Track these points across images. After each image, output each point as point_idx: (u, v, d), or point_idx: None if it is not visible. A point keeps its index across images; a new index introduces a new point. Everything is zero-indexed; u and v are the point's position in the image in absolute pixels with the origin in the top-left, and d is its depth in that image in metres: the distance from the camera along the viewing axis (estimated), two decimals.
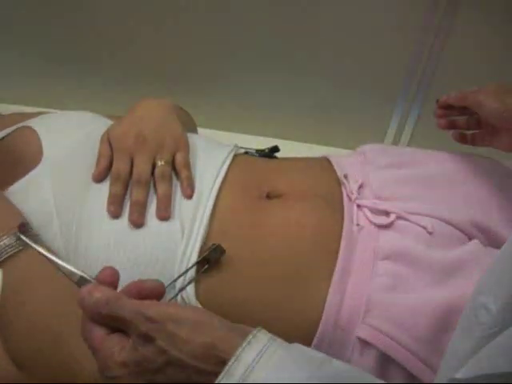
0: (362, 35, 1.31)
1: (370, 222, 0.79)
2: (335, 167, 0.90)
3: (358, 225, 0.79)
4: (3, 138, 0.91)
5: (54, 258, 0.63)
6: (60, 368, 0.63)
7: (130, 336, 0.52)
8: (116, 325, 0.53)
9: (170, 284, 0.74)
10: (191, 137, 0.91)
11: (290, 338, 0.77)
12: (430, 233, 0.77)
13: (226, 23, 1.33)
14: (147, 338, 0.50)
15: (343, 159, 0.93)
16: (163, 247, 0.76)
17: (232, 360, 0.47)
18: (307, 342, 0.75)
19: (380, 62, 1.35)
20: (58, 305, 0.68)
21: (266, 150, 0.99)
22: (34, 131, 0.89)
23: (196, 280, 0.76)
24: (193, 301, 0.75)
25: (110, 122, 0.92)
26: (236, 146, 0.94)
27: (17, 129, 0.91)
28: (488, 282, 0.58)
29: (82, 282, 0.60)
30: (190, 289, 0.75)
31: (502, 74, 1.31)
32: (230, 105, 1.47)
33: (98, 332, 0.52)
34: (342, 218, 0.79)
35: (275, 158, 1.00)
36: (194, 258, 0.76)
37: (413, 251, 0.75)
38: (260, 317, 0.77)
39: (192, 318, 0.51)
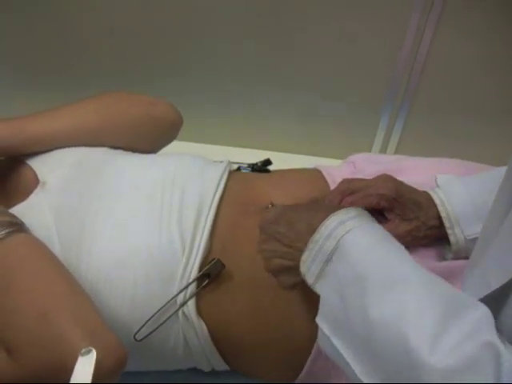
0: (347, 47, 1.33)
1: None
2: (326, 178, 0.92)
3: None
4: None
5: None
6: (48, 348, 0.63)
7: None
8: None
9: (172, 299, 0.76)
10: (183, 156, 0.92)
11: (289, 351, 0.79)
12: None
13: (214, 37, 1.34)
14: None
15: (334, 169, 0.95)
16: (165, 265, 0.77)
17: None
18: (306, 354, 0.78)
19: (366, 73, 1.37)
20: (44, 284, 0.68)
21: (259, 164, 1.00)
22: (22, 161, 0.90)
23: (196, 295, 0.77)
24: (193, 315, 0.77)
25: (101, 148, 0.93)
26: (229, 162, 0.95)
27: (4, 159, 0.91)
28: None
29: None
30: (191, 304, 0.77)
31: (487, 82, 1.34)
32: (219, 118, 1.49)
33: None
34: None
35: (267, 170, 1.01)
36: (195, 273, 0.77)
37: None
38: (260, 330, 0.79)
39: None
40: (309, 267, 0.61)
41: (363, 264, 0.57)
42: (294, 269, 0.64)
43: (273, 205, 0.84)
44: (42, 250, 0.73)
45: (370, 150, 1.51)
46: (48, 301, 0.66)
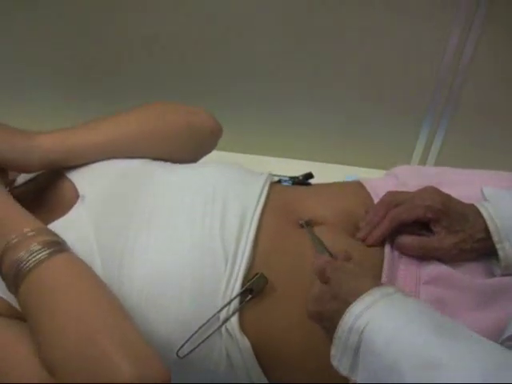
0: (388, 56, 1.32)
1: None
2: (369, 191, 0.90)
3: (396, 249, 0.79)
4: (33, 178, 0.92)
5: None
6: (92, 371, 0.62)
7: None
8: None
9: (215, 315, 0.75)
10: (223, 166, 0.92)
11: (332, 366, 0.78)
12: None
13: (253, 49, 1.34)
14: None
15: (376, 182, 0.93)
16: (208, 279, 0.77)
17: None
18: None
19: (407, 83, 1.36)
20: (87, 306, 0.67)
21: (300, 177, 0.99)
22: (62, 174, 0.90)
23: (239, 310, 0.76)
24: (237, 331, 0.76)
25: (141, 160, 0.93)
26: (270, 174, 0.94)
27: (45, 172, 0.92)
28: None
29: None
30: (234, 319, 0.76)
31: None
32: (258, 128, 1.49)
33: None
34: (383, 245, 0.80)
35: (309, 184, 1.00)
36: (238, 288, 0.77)
37: (454, 275, 0.75)
38: (304, 345, 0.77)
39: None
40: (340, 361, 0.62)
41: (390, 353, 0.55)
42: None
43: (304, 221, 0.83)
44: (84, 269, 0.73)
45: (409, 160, 1.48)
46: (92, 323, 0.65)
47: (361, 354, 0.59)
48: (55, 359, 0.65)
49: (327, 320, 0.67)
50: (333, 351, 0.63)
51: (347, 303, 0.62)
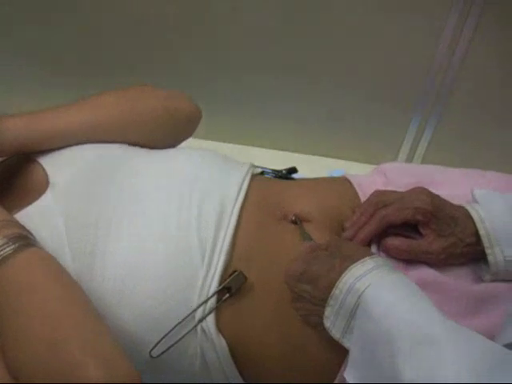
0: (379, 48, 1.29)
1: None
2: (356, 188, 0.87)
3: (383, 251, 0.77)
4: (1, 162, 0.87)
5: None
6: (58, 378, 0.58)
7: None
8: None
9: (190, 314, 0.72)
10: (202, 154, 0.88)
11: (312, 370, 0.75)
12: None
13: (238, 35, 1.32)
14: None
15: (364, 179, 0.90)
16: (183, 275, 0.73)
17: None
18: (330, 378, 0.73)
19: (397, 77, 1.34)
20: (54, 307, 0.63)
21: (284, 171, 0.96)
22: (33, 159, 0.85)
23: (216, 309, 0.73)
24: (213, 330, 0.73)
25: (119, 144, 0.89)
26: (252, 164, 0.91)
27: (14, 156, 0.87)
28: None
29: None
30: (210, 319, 0.73)
31: None
32: (240, 117, 1.46)
33: None
34: (369, 246, 0.77)
35: (292, 179, 0.97)
36: (215, 286, 0.73)
37: (442, 280, 0.73)
38: (283, 346, 0.75)
39: None
40: (333, 323, 0.62)
41: (389, 321, 0.56)
42: None
43: (296, 217, 0.80)
44: (52, 267, 0.68)
45: (397, 155, 1.47)
46: (59, 326, 0.61)
47: (358, 316, 0.59)
48: (18, 362, 0.61)
49: (308, 282, 0.67)
50: (326, 312, 0.63)
51: (349, 260, 0.63)
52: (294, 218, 0.80)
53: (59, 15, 1.32)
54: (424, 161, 1.46)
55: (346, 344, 0.61)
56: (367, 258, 0.63)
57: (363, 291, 0.59)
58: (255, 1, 1.25)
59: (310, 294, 0.67)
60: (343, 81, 1.36)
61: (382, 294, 0.58)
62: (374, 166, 0.96)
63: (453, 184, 0.87)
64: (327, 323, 0.63)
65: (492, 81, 1.32)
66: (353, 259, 0.64)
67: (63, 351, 0.59)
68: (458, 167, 0.92)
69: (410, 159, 1.47)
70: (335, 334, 0.62)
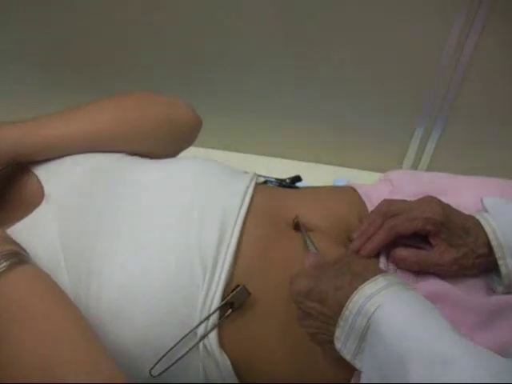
0: (384, 54, 1.28)
1: None
2: (364, 198, 0.85)
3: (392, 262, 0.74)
4: None
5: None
6: None
7: None
8: None
9: (191, 331, 0.69)
10: (203, 164, 0.85)
11: (320, 382, 0.73)
12: None
13: (242, 44, 1.31)
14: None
15: (370, 188, 0.88)
16: (183, 291, 0.70)
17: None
18: None
19: (402, 83, 1.32)
20: (48, 330, 0.60)
21: (288, 180, 0.93)
22: (28, 169, 0.83)
23: (218, 325, 0.70)
24: (215, 348, 0.70)
25: (115, 154, 0.86)
26: (255, 174, 0.88)
27: (9, 167, 0.84)
28: None
29: None
30: (213, 336, 0.70)
31: None
32: (243, 125, 1.44)
33: None
34: (377, 257, 0.74)
35: (296, 188, 0.95)
36: (217, 302, 0.70)
37: (453, 292, 0.70)
38: (288, 363, 0.72)
39: None
40: (344, 344, 0.60)
41: (401, 344, 0.54)
42: None
43: (297, 218, 0.78)
44: (47, 286, 0.65)
45: (402, 162, 1.45)
46: (52, 350, 0.58)
47: (368, 339, 0.57)
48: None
49: (316, 300, 0.64)
50: (337, 333, 0.61)
51: (360, 278, 0.61)
52: (296, 221, 0.78)
53: (59, 15, 1.32)
54: (429, 168, 1.45)
55: (358, 365, 0.59)
56: (379, 276, 0.60)
57: (373, 312, 0.56)
58: (254, 3, 1.24)
59: (318, 311, 0.64)
60: (348, 89, 1.35)
61: (392, 315, 0.56)
62: (378, 174, 0.95)
63: (461, 192, 0.85)
64: (338, 344, 0.61)
65: (497, 89, 1.31)
66: (364, 277, 0.61)
67: (58, 377, 0.57)
68: (464, 175, 0.91)
69: (414, 167, 1.45)
70: (346, 355, 0.60)
